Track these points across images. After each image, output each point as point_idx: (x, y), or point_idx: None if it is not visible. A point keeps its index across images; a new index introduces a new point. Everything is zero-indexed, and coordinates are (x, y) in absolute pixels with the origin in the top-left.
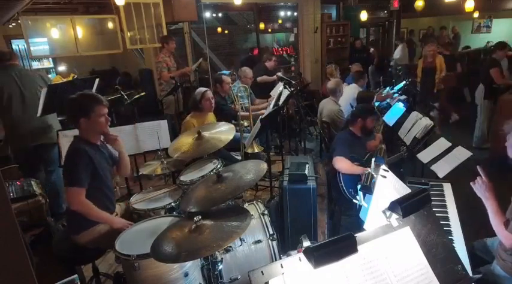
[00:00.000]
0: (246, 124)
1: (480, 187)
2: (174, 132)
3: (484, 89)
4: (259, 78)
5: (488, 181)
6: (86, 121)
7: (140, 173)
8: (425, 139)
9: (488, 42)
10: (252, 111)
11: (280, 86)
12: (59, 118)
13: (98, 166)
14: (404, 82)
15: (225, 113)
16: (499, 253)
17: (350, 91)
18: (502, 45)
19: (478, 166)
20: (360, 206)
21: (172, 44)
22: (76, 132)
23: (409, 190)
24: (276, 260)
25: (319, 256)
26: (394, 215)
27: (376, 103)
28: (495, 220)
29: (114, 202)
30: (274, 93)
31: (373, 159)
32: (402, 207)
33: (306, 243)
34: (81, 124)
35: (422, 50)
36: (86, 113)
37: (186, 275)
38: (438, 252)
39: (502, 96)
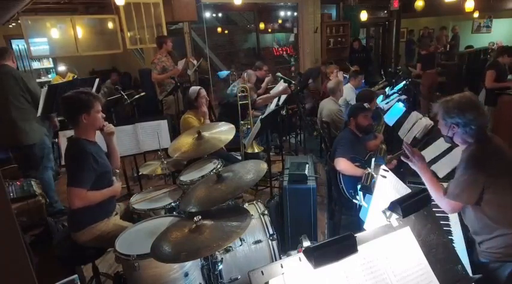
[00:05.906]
0: None
1: (413, 160)
2: (175, 132)
3: (486, 94)
4: (259, 101)
5: (417, 152)
6: (87, 117)
7: (140, 173)
8: (425, 139)
9: (493, 44)
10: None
11: (280, 85)
12: (59, 119)
13: (101, 163)
14: (404, 82)
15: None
16: (476, 243)
17: (345, 92)
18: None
19: (403, 144)
20: (360, 206)
21: (170, 43)
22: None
23: (409, 190)
24: (276, 260)
25: (319, 256)
26: (394, 215)
27: (379, 102)
28: (433, 189)
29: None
30: (274, 91)
31: (373, 159)
32: (402, 207)
33: (306, 243)
34: (82, 120)
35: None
36: (87, 109)
37: (186, 275)
38: (438, 252)
39: (501, 97)
